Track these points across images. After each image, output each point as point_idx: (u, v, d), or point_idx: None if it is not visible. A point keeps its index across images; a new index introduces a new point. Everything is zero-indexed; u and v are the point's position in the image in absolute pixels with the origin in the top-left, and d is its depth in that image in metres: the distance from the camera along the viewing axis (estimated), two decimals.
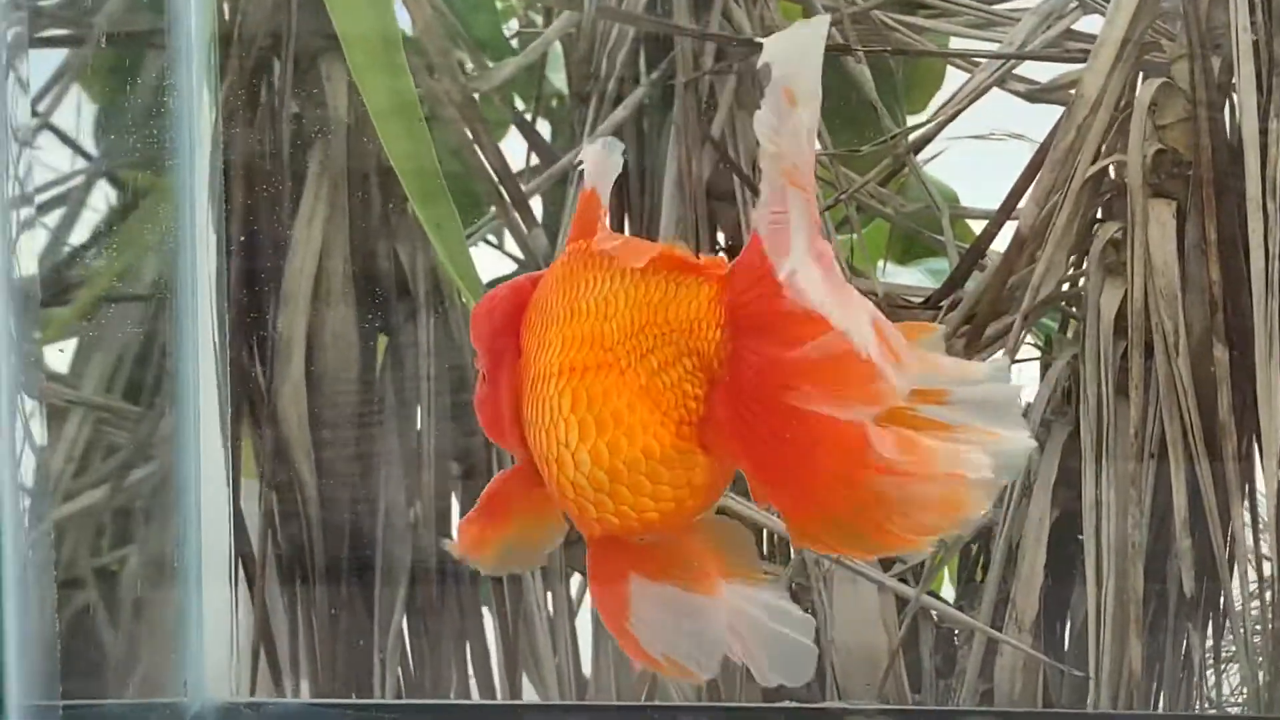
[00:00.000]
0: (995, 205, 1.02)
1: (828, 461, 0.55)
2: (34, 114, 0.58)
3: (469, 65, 1.04)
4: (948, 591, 1.05)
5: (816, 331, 0.55)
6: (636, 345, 0.59)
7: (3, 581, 0.53)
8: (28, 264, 0.59)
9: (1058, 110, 0.98)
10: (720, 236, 1.05)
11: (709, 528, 0.60)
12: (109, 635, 0.69)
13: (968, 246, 1.01)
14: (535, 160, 1.04)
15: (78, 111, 0.63)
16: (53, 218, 0.68)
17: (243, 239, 0.89)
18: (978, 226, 1.07)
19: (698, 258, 0.59)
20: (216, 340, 0.78)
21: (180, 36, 0.72)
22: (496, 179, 0.98)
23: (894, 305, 1.00)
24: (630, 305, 0.59)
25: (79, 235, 0.70)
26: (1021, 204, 0.94)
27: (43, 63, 0.65)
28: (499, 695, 0.97)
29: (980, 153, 1.07)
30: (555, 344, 0.61)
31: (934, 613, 0.99)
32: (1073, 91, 0.95)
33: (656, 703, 0.87)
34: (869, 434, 0.54)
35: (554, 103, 1.10)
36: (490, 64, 1.04)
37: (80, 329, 0.73)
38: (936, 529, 0.53)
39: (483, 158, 0.98)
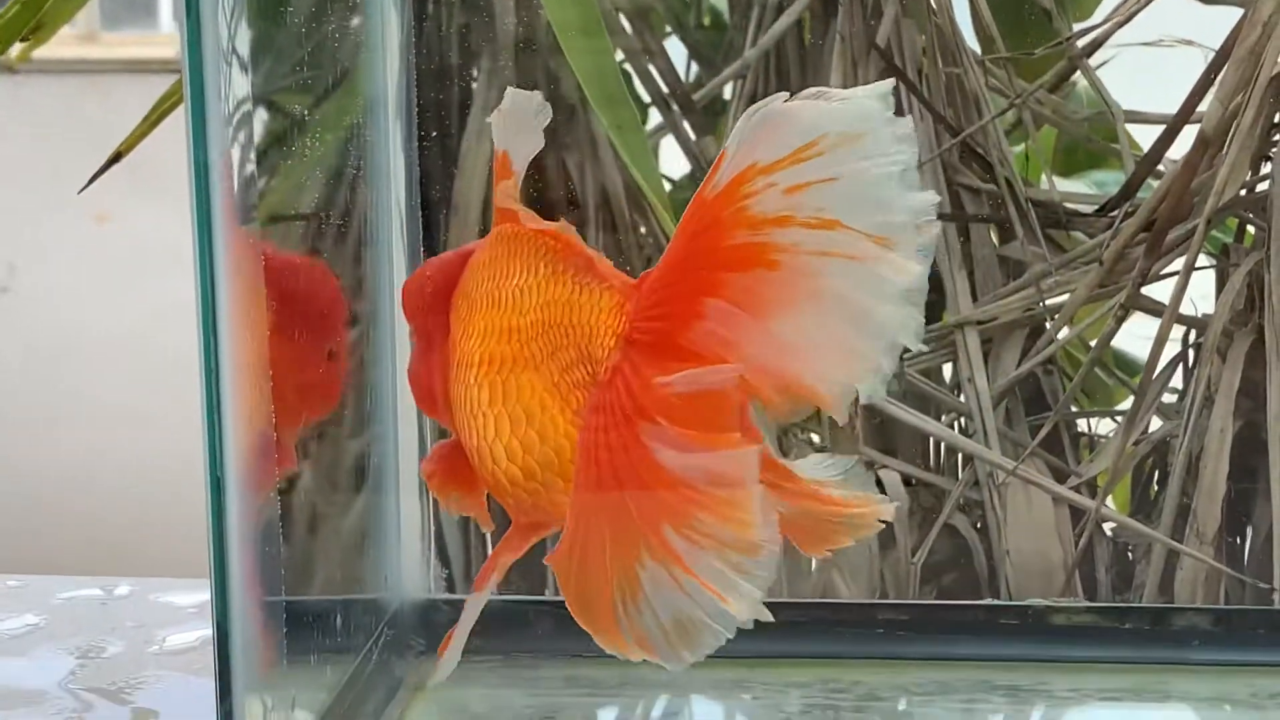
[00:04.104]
0: (1165, 112, 0.99)
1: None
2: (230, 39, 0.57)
3: None
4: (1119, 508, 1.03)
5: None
6: (547, 342, 0.58)
7: (227, 487, 0.54)
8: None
9: (1229, 14, 0.95)
10: None
11: None
12: (315, 534, 0.70)
13: (1138, 155, 0.99)
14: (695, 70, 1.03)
15: (254, 36, 0.62)
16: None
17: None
18: (1141, 134, 1.04)
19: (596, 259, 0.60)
20: (408, 256, 0.78)
21: None
22: (665, 86, 0.97)
23: (1069, 215, 0.98)
24: (543, 301, 0.59)
25: (278, 162, 0.69)
26: (1204, 105, 0.92)
27: None
28: None
29: (1148, 59, 1.04)
30: (476, 332, 0.61)
31: (1107, 527, 0.97)
32: None
33: (827, 599, 0.86)
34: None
35: (706, 21, 1.09)
36: None
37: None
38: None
39: (650, 66, 0.97)
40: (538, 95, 0.65)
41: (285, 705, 0.62)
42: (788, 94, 0.53)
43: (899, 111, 0.53)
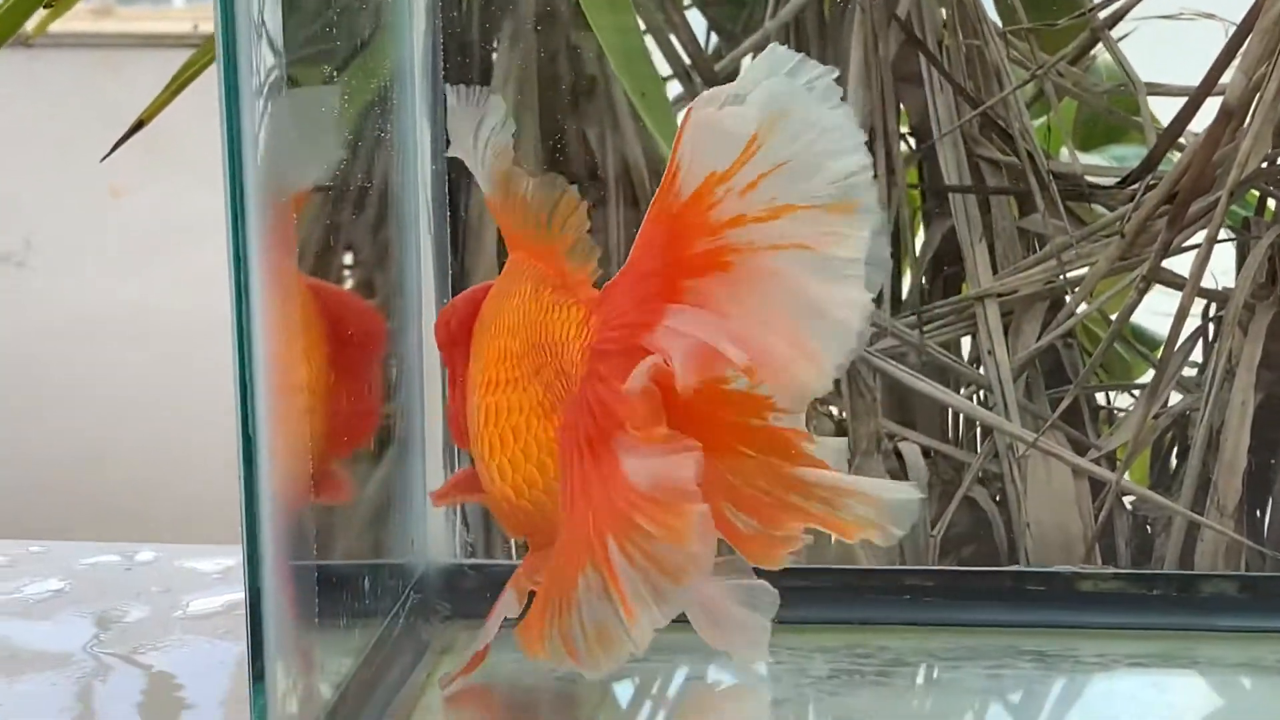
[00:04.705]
0: (1186, 84, 0.99)
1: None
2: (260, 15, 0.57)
3: None
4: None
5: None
6: (531, 362, 0.59)
7: (258, 448, 0.54)
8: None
9: None
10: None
11: None
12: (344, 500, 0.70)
13: (1159, 128, 0.99)
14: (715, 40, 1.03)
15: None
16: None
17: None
18: (1163, 107, 1.04)
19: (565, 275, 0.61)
20: (433, 225, 0.78)
21: None
22: (686, 58, 0.97)
23: (1090, 187, 0.98)
24: (527, 322, 0.60)
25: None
26: (1227, 77, 0.91)
27: None
28: None
29: (1169, 32, 1.04)
30: (481, 356, 0.62)
31: (1126, 499, 0.97)
32: None
33: (847, 566, 0.86)
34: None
35: None
36: None
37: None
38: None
39: (672, 37, 0.97)
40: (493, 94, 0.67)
41: (314, 666, 0.62)
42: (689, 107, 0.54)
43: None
